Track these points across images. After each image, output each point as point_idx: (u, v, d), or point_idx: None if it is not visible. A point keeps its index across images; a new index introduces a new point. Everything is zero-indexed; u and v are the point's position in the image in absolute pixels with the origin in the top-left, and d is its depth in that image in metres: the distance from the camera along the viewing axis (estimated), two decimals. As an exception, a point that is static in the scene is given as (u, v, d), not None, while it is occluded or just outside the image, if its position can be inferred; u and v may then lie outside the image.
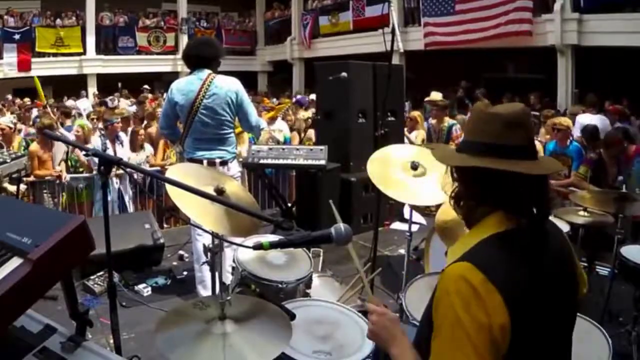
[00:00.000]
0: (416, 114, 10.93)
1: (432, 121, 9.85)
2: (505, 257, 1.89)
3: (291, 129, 11.82)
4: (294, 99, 16.06)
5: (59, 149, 9.27)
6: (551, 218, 2.14)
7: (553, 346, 1.98)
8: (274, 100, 15.64)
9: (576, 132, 9.54)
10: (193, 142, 5.55)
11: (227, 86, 5.53)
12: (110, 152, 9.02)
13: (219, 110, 5.47)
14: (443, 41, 16.83)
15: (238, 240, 3.64)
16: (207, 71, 5.53)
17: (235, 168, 5.82)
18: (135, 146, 9.83)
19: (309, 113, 12.64)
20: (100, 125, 10.84)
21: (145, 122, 11.92)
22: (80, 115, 13.45)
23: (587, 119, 10.45)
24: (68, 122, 11.75)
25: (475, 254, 1.92)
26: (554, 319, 1.96)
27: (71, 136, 9.58)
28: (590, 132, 8.98)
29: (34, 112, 13.63)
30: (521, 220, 1.93)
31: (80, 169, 9.39)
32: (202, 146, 5.54)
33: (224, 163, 5.59)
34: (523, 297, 1.84)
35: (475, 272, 1.82)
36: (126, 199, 9.53)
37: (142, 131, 10.26)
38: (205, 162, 5.45)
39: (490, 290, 1.79)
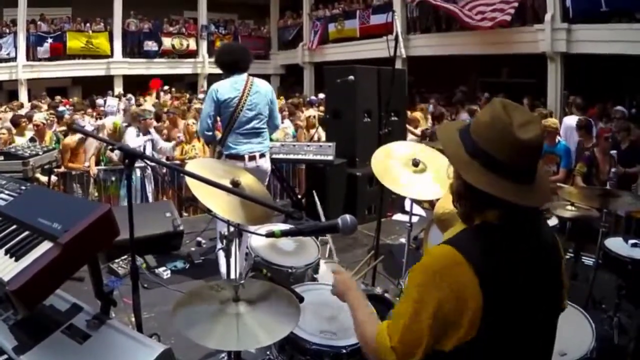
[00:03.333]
0: (417, 114, 10.92)
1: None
2: (484, 244, 1.88)
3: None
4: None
5: (91, 144, 9.31)
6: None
7: (528, 335, 1.95)
8: (284, 101, 15.55)
9: (563, 133, 9.53)
10: (237, 137, 5.66)
11: (265, 86, 5.83)
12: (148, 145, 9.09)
13: (261, 106, 5.69)
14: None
15: (252, 228, 3.65)
16: (245, 74, 5.71)
17: (269, 161, 5.98)
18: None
19: (313, 112, 12.61)
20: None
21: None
22: (110, 113, 13.52)
23: (573, 120, 10.42)
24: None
25: (457, 239, 1.94)
26: (530, 308, 1.92)
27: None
28: (584, 126, 8.95)
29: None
30: (509, 216, 1.90)
31: (110, 164, 9.42)
32: (244, 141, 5.66)
33: (262, 156, 5.77)
34: (499, 282, 1.83)
35: (454, 252, 1.84)
36: (148, 190, 9.55)
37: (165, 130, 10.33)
38: (247, 156, 5.63)
39: (466, 271, 1.80)
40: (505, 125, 1.82)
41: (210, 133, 5.79)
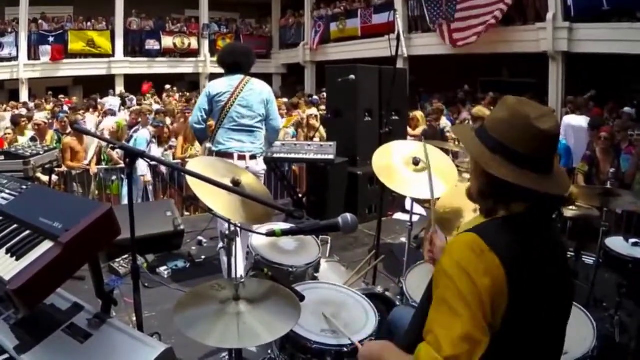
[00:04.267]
0: (418, 114, 10.92)
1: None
2: (509, 234, 1.89)
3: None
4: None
5: (92, 143, 9.34)
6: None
7: (548, 330, 1.96)
8: (285, 100, 15.52)
9: (562, 132, 9.52)
10: (226, 132, 5.51)
11: (262, 87, 5.71)
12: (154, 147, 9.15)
13: (254, 104, 5.56)
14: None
15: (253, 227, 3.65)
16: (243, 75, 5.65)
17: (262, 164, 5.82)
18: (162, 141, 9.94)
19: (313, 110, 12.59)
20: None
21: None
22: (113, 113, 13.55)
23: (574, 119, 10.42)
24: None
25: (482, 228, 1.94)
26: (551, 302, 1.94)
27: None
28: (593, 124, 8.95)
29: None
30: (522, 208, 1.94)
31: (110, 163, 9.45)
32: (234, 137, 5.51)
33: (253, 157, 5.58)
34: (523, 271, 1.83)
35: (479, 241, 1.84)
36: (149, 189, 9.58)
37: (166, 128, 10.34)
38: (236, 155, 5.46)
39: (492, 258, 1.80)
40: (525, 119, 1.88)
41: (200, 126, 5.70)
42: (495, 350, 1.78)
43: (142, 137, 9.50)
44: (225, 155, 5.37)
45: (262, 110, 5.64)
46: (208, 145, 5.69)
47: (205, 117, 5.66)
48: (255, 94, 5.59)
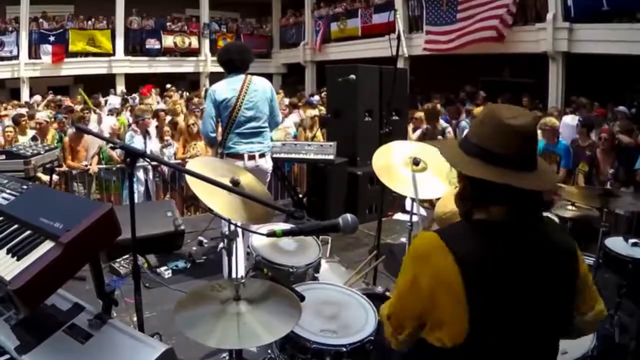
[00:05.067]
0: (420, 114, 10.92)
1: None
2: (474, 236, 1.92)
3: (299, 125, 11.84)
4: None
5: (93, 143, 9.33)
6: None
7: (524, 341, 1.93)
8: (286, 99, 15.49)
9: (562, 133, 9.51)
10: (235, 136, 5.62)
11: (264, 85, 5.78)
12: (146, 144, 9.14)
13: (260, 105, 5.65)
14: (442, 48, 16.73)
15: (253, 227, 3.66)
16: (243, 74, 5.69)
17: (270, 161, 5.94)
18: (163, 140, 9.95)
19: (316, 111, 12.58)
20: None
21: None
22: (111, 112, 13.55)
23: (572, 119, 10.43)
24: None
25: (446, 229, 2.05)
26: (526, 311, 1.90)
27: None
28: (585, 125, 8.94)
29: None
30: (501, 213, 1.93)
31: (111, 162, 9.45)
32: (243, 140, 5.62)
33: (262, 155, 5.73)
34: (485, 273, 1.84)
35: (437, 240, 1.89)
36: (150, 189, 9.59)
37: (166, 127, 10.33)
38: (246, 155, 5.59)
39: (445, 257, 1.84)
40: (496, 119, 1.91)
41: (214, 135, 5.78)
42: (466, 349, 1.84)
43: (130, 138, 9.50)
44: (236, 156, 5.57)
45: (267, 109, 5.73)
46: (220, 150, 5.77)
47: (215, 123, 5.74)
48: (260, 93, 5.66)
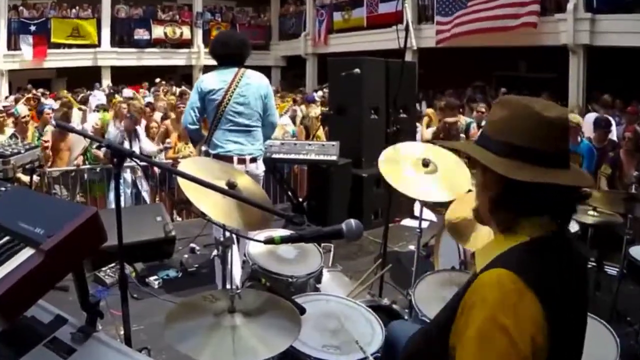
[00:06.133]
0: (430, 111, 10.91)
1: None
2: (539, 260, 1.79)
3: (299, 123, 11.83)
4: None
5: (78, 143, 9.31)
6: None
7: (578, 350, 1.92)
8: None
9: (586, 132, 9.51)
10: (223, 134, 5.44)
11: (258, 80, 5.61)
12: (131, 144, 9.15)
13: (251, 101, 5.47)
14: (455, 34, 16.71)
15: (250, 234, 3.65)
16: (237, 67, 5.55)
17: (262, 166, 5.78)
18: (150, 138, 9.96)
19: (319, 109, 12.58)
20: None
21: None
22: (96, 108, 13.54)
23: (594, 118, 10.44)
24: None
25: (511, 259, 1.80)
26: (581, 323, 1.90)
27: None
28: (603, 124, 8.92)
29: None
30: (553, 227, 1.85)
31: (96, 162, 9.44)
32: (232, 139, 5.44)
33: (254, 160, 5.54)
34: (558, 302, 1.75)
35: (515, 279, 1.71)
36: (142, 191, 9.58)
37: (154, 123, 10.34)
38: (235, 158, 5.40)
39: (531, 299, 1.68)
40: (529, 112, 1.82)
41: (195, 127, 5.64)
42: None
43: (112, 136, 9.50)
44: (224, 158, 5.29)
45: (260, 107, 5.57)
46: (204, 148, 5.65)
47: (199, 116, 5.59)
48: (253, 88, 5.50)
